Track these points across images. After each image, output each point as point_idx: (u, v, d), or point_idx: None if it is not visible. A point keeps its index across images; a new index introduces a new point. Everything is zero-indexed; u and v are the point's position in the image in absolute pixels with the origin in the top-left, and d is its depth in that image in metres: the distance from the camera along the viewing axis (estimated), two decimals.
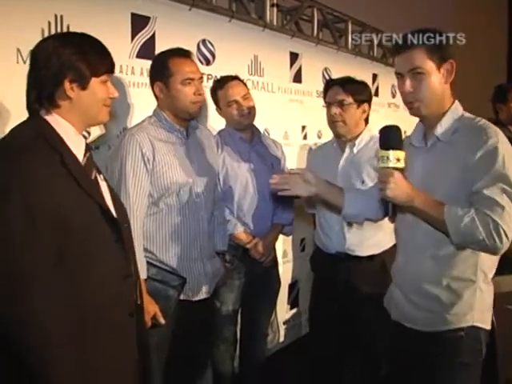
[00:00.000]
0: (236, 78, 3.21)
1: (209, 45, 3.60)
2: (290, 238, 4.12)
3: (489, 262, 2.08)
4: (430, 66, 2.03)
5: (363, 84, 3.17)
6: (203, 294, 2.72)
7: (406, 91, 2.09)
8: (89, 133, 1.93)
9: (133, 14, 3.07)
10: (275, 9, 4.26)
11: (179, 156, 2.62)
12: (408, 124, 7.00)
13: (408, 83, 2.06)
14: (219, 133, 3.27)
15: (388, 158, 1.98)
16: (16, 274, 1.54)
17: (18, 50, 2.50)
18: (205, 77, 3.45)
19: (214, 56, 3.65)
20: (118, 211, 1.88)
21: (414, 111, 2.13)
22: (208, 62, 3.59)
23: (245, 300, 3.29)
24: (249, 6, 4.08)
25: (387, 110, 6.10)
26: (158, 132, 2.61)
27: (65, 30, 2.68)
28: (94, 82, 1.76)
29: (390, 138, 2.04)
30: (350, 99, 2.98)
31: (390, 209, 2.07)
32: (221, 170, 3.10)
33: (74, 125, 1.78)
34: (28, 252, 1.54)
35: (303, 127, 4.62)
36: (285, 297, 4.35)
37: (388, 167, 1.98)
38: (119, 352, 1.77)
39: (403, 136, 2.12)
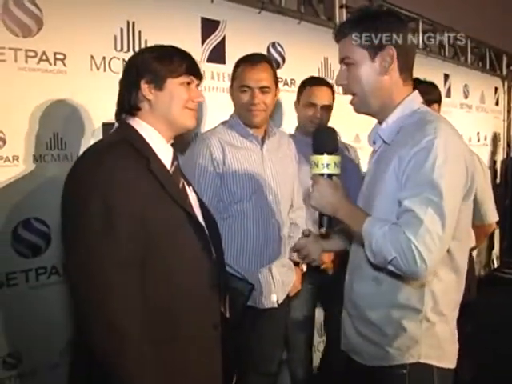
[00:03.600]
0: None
1: (279, 47, 3.53)
2: None
3: (440, 288, 1.71)
4: (360, 55, 1.71)
5: (432, 84, 3.07)
6: (271, 303, 2.61)
7: (338, 83, 1.83)
8: None
9: (203, 19, 3.04)
10: (344, 10, 4.15)
11: (252, 162, 2.56)
12: (481, 125, 6.77)
13: (341, 75, 1.79)
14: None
15: (315, 163, 1.76)
16: (94, 276, 1.50)
17: (92, 57, 2.51)
18: None
19: (283, 59, 3.57)
20: (206, 221, 1.84)
21: (353, 107, 1.83)
22: (278, 65, 3.51)
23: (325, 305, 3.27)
24: (318, 8, 4.01)
25: (459, 110, 5.88)
26: (232, 137, 2.56)
27: (137, 36, 2.67)
28: (171, 82, 1.71)
29: (318, 141, 1.79)
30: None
31: (325, 221, 1.79)
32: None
33: (159, 131, 1.74)
34: (105, 255, 1.50)
35: None
36: None
37: (315, 174, 1.76)
38: (200, 363, 1.69)
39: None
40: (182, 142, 2.78)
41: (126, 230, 1.53)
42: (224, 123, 2.63)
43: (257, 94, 2.50)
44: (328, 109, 3.08)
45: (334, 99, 3.10)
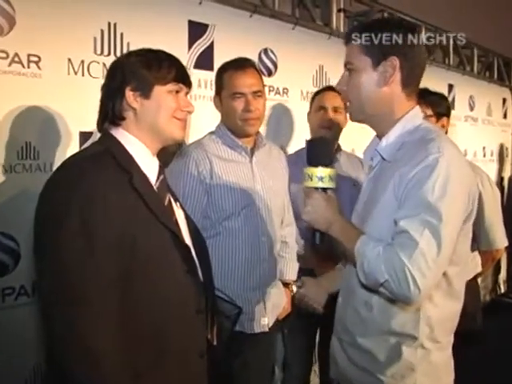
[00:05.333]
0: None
1: (271, 54, 3.53)
2: None
3: (436, 315, 1.71)
4: (364, 62, 1.73)
5: (441, 96, 3.07)
6: (261, 328, 2.58)
7: (338, 88, 1.87)
8: None
9: (190, 22, 3.04)
10: (342, 14, 4.18)
11: (241, 175, 2.54)
12: (487, 139, 6.76)
13: (342, 80, 1.82)
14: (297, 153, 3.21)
15: (309, 176, 1.76)
16: (72, 299, 1.48)
17: (69, 61, 2.49)
18: (266, 89, 3.38)
19: (276, 66, 3.57)
20: (195, 241, 1.82)
21: (349, 115, 1.88)
22: (270, 73, 3.52)
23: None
24: (314, 12, 4.01)
25: (464, 123, 5.89)
26: (219, 149, 2.54)
27: (118, 38, 2.66)
28: (159, 90, 1.69)
29: (312, 153, 1.80)
30: (430, 111, 2.85)
31: (317, 237, 1.80)
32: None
33: (144, 142, 1.72)
34: (84, 275, 1.48)
35: None
36: None
37: (308, 187, 1.77)
38: None
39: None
40: (166, 154, 2.75)
41: (105, 250, 1.50)
42: (211, 134, 2.60)
43: (251, 101, 2.49)
44: (338, 111, 3.05)
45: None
